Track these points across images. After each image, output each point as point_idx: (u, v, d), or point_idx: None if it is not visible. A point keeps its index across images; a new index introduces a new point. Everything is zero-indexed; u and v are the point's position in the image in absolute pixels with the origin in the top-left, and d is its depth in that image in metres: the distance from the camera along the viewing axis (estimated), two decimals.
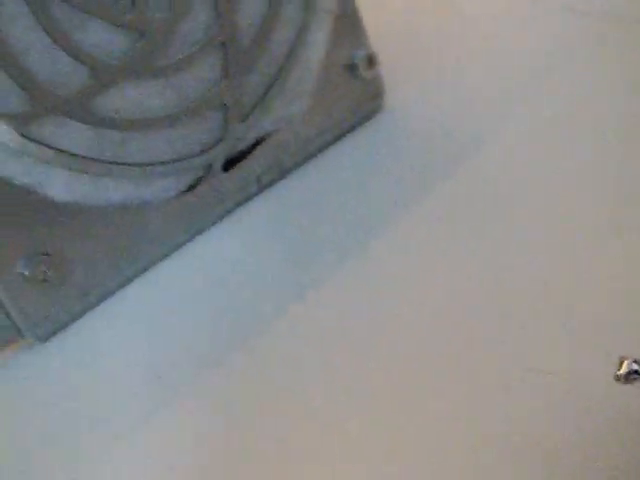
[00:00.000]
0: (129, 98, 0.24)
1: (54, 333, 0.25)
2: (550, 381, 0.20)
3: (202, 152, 0.26)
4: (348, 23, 0.28)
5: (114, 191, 0.24)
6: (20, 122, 0.22)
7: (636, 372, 0.16)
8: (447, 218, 0.25)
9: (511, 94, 0.29)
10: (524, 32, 0.32)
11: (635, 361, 0.16)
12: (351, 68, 0.28)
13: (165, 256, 0.26)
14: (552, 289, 0.22)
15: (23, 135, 0.22)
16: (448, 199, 0.25)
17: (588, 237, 0.23)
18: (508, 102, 0.29)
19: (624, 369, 0.16)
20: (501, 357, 0.21)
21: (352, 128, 0.29)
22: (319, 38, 0.27)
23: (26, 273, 0.23)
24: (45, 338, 0.25)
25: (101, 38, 0.23)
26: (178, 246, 0.26)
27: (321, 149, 0.28)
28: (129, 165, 0.24)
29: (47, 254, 0.24)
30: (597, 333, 0.20)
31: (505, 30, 0.33)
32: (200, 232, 0.27)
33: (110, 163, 0.24)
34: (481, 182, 0.26)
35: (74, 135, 0.23)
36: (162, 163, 0.25)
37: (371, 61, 0.28)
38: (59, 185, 0.23)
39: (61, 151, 0.23)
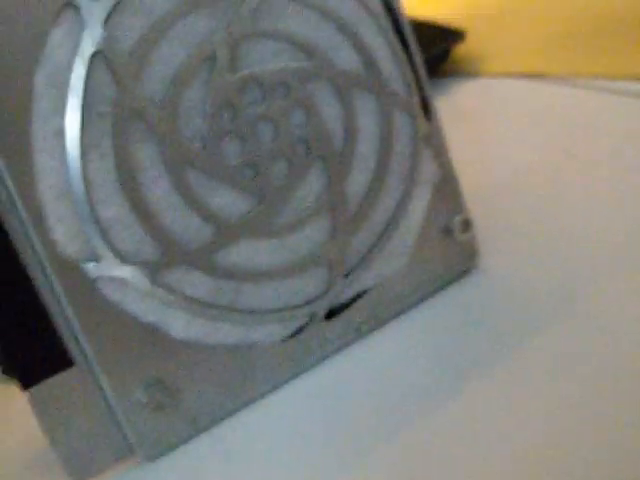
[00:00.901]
0: (245, 253, 0.27)
1: (163, 453, 0.28)
2: None
3: (307, 303, 0.29)
4: (447, 189, 0.31)
5: (227, 333, 0.28)
6: (152, 269, 0.26)
7: None
8: (536, 381, 0.27)
9: (606, 267, 0.30)
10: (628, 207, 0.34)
11: None
12: (447, 231, 0.31)
13: (269, 393, 0.29)
14: None
15: (152, 280, 0.26)
16: (535, 362, 0.27)
17: None
18: (602, 276, 0.30)
19: None
20: None
21: (445, 285, 0.32)
22: (419, 206, 0.30)
23: (144, 400, 0.27)
24: (154, 457, 0.28)
25: (226, 201, 0.27)
26: (281, 385, 0.29)
27: (416, 303, 0.31)
28: (242, 312, 0.28)
29: (163, 383, 0.27)
30: None
31: (606, 204, 0.35)
32: (302, 372, 0.29)
33: (225, 309, 0.27)
34: (572, 350, 0.27)
35: (196, 283, 0.27)
36: (271, 311, 0.28)
37: (466, 226, 0.31)
38: (179, 325, 0.27)
39: (183, 296, 0.26)
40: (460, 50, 0.53)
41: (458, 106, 0.50)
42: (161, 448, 0.28)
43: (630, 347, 0.26)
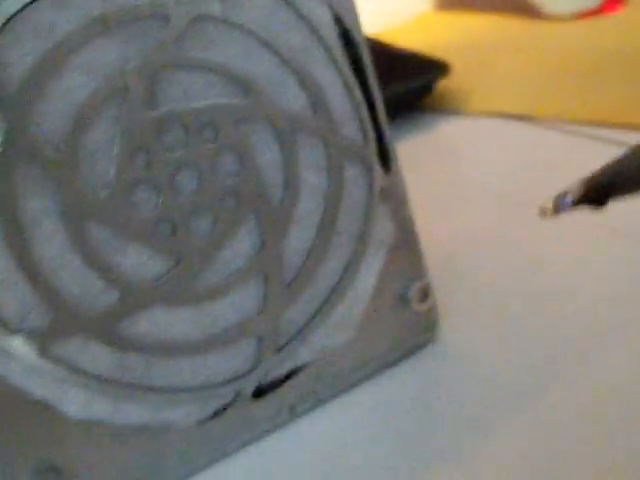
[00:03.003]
0: (158, 322, 0.23)
1: None
2: None
3: (231, 380, 0.24)
4: (405, 252, 0.27)
5: (134, 413, 0.23)
6: (39, 340, 0.22)
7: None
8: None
9: (573, 350, 0.27)
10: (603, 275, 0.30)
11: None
12: (403, 299, 0.27)
13: (183, 478, 0.25)
14: None
15: (41, 352, 0.22)
16: (485, 459, 0.23)
17: None
18: (570, 355, 0.26)
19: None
20: None
21: (398, 360, 0.27)
22: (370, 272, 0.26)
23: None
24: None
25: (137, 261, 0.22)
26: (198, 470, 0.25)
27: (362, 381, 0.27)
28: (152, 390, 0.23)
29: (56, 469, 0.23)
30: None
31: (579, 270, 0.31)
32: (224, 457, 0.25)
33: (132, 386, 0.23)
34: (528, 451, 0.23)
35: (95, 356, 0.22)
36: (187, 390, 0.24)
37: (425, 294, 0.27)
38: (76, 403, 0.23)
39: (80, 372, 0.22)
40: (444, 85, 0.49)
41: (436, 145, 0.46)
42: None
43: (591, 441, 0.22)
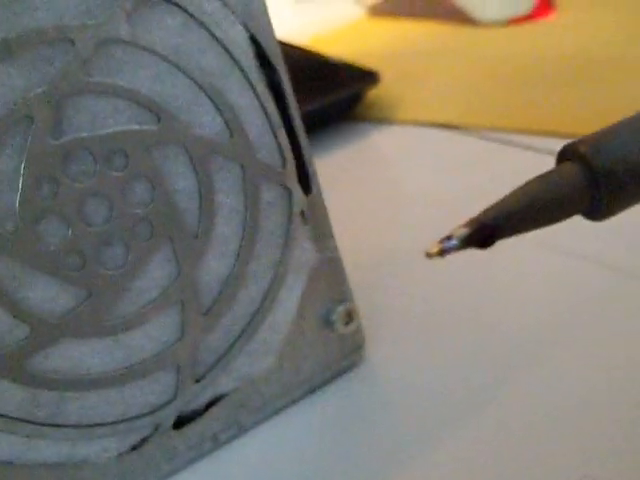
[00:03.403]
0: (70, 356, 0.22)
1: None
2: None
3: (149, 413, 0.24)
4: (328, 274, 0.26)
5: (47, 450, 0.23)
6: None
7: None
8: None
9: (506, 364, 0.26)
10: (533, 284, 0.30)
11: None
12: (327, 322, 0.26)
13: None
14: None
15: None
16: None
17: None
18: (497, 369, 0.26)
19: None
20: None
21: (323, 384, 0.27)
22: (291, 296, 0.26)
23: None
24: None
25: (46, 295, 0.22)
26: None
27: (287, 406, 0.26)
28: (64, 426, 0.23)
29: None
30: None
31: (512, 283, 0.31)
32: None
33: (43, 425, 0.22)
34: (445, 461, 0.23)
35: (4, 394, 0.22)
36: (102, 424, 0.23)
37: (350, 317, 0.27)
38: None
39: None
40: (374, 94, 0.49)
41: (367, 154, 0.45)
42: None
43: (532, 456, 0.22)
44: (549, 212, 0.16)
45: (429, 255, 0.14)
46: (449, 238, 0.14)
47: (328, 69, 0.50)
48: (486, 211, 0.14)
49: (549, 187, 0.16)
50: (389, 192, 0.41)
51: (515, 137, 0.43)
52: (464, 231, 0.14)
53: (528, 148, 0.41)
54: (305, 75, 0.48)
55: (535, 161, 0.40)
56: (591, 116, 0.42)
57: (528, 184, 0.16)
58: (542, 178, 0.16)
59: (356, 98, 0.49)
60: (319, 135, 0.47)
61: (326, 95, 0.47)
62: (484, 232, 0.14)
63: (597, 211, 0.17)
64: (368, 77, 0.49)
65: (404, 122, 0.48)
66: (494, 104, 0.47)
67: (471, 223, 0.14)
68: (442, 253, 0.14)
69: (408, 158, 0.45)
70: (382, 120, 0.49)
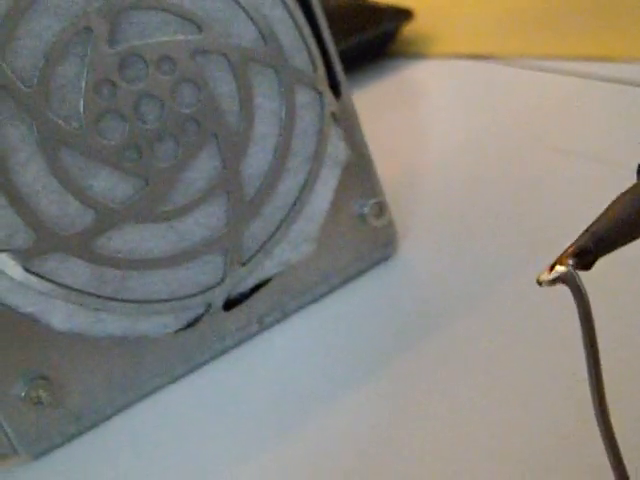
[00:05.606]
0: (130, 240, 0.25)
1: (47, 452, 0.26)
2: None
3: (201, 292, 0.27)
4: (359, 171, 0.29)
5: (112, 324, 0.26)
6: (24, 257, 0.24)
7: None
8: (441, 380, 0.25)
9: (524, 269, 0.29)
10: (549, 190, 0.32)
11: None
12: (360, 216, 0.29)
13: (161, 387, 0.27)
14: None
15: (26, 269, 0.24)
16: (440, 363, 0.26)
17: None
18: (518, 263, 0.29)
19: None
20: None
21: (359, 274, 0.30)
22: (326, 190, 0.28)
23: (22, 394, 0.25)
24: (37, 456, 0.26)
25: (108, 184, 0.25)
26: (175, 379, 0.27)
27: (326, 293, 0.29)
28: (127, 302, 0.26)
29: (45, 378, 0.25)
30: None
31: (523, 189, 0.33)
32: (199, 366, 0.28)
33: (109, 299, 0.25)
34: (472, 342, 0.26)
35: (75, 271, 0.25)
36: (160, 301, 0.26)
37: (381, 210, 0.29)
38: (59, 316, 0.25)
39: (62, 285, 0.25)
40: (408, 30, 0.51)
41: (403, 87, 0.48)
42: (44, 446, 0.26)
43: (539, 345, 0.25)
44: None
45: (540, 283, 0.15)
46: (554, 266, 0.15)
47: (363, 8, 0.52)
48: (583, 237, 0.15)
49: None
50: (424, 120, 0.43)
51: (545, 63, 0.44)
52: (571, 261, 0.15)
53: (558, 72, 0.43)
54: (341, 14, 0.50)
55: (566, 84, 0.41)
56: (620, 40, 0.44)
57: (618, 201, 0.16)
58: (630, 194, 0.16)
59: (391, 35, 0.51)
60: (356, 72, 0.49)
61: (362, 33, 0.49)
62: (588, 259, 0.15)
63: None
64: (402, 14, 0.51)
65: (439, 56, 0.50)
66: (526, 33, 0.49)
67: (574, 253, 0.15)
68: (554, 282, 0.15)
69: (442, 89, 0.47)
70: (417, 55, 0.51)
